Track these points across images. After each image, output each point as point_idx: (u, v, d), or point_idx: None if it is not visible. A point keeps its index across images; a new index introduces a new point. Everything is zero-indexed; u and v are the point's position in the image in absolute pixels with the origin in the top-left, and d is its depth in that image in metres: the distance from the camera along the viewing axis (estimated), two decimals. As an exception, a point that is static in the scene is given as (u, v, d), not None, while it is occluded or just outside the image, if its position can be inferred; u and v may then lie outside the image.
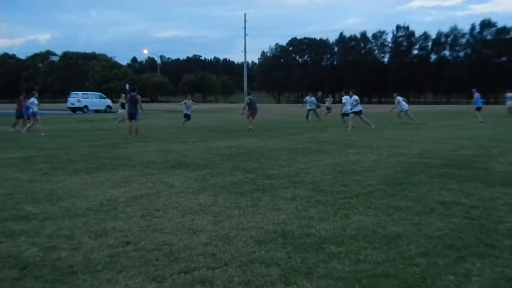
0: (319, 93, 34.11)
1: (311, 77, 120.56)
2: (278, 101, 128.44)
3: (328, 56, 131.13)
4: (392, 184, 7.90)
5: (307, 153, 12.33)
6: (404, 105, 26.57)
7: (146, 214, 6.05)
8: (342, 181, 8.18)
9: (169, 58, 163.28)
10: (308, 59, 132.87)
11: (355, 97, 22.07)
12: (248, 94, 24.10)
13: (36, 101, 21.18)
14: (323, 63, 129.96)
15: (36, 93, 22.21)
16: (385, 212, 6.05)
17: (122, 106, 25.38)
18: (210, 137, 17.72)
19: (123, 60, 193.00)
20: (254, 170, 9.46)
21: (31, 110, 20.89)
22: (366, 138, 16.48)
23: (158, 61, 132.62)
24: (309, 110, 29.35)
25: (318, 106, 30.39)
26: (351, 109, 22.03)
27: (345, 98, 22.82)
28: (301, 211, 6.09)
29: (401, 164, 10.28)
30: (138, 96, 18.10)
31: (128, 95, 18.54)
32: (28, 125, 20.71)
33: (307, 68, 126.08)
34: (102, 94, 52.94)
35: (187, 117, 24.25)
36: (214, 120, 30.65)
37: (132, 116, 17.76)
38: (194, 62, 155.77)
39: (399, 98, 26.59)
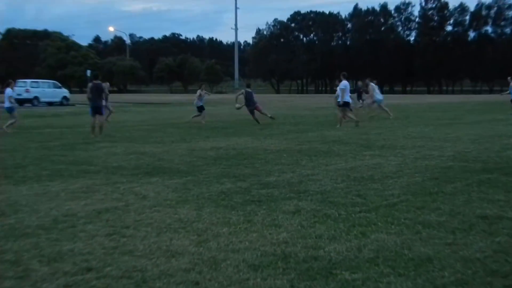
0: (359, 83, 32.77)
1: (319, 61, 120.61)
2: (278, 91, 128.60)
3: (340, 34, 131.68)
4: (421, 194, 7.92)
5: (314, 155, 12.48)
6: (378, 93, 26.73)
7: (112, 232, 6.07)
8: (357, 191, 8.24)
9: (140, 38, 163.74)
10: (315, 38, 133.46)
11: (344, 83, 21.11)
12: (247, 86, 23.77)
13: (12, 93, 20.82)
14: (333, 43, 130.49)
15: (13, 82, 21.98)
16: (412, 229, 6.09)
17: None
18: (193, 135, 17.78)
19: (83, 39, 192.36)
20: (248, 177, 9.56)
21: (5, 105, 20.66)
22: (388, 137, 16.60)
23: (127, 41, 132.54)
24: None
25: (360, 97, 29.60)
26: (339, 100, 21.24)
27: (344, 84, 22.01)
28: (306, 228, 6.16)
29: (431, 169, 10.35)
30: (104, 85, 18.12)
31: (90, 84, 18.49)
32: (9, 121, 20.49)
33: (314, 50, 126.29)
34: (57, 83, 52.86)
35: (200, 109, 24.00)
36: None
37: (96, 110, 17.76)
38: (172, 42, 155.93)
39: (373, 85, 26.66)
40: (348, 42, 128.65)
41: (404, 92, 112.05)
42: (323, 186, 8.65)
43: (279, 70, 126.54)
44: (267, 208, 7.16)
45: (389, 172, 9.99)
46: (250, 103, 22.54)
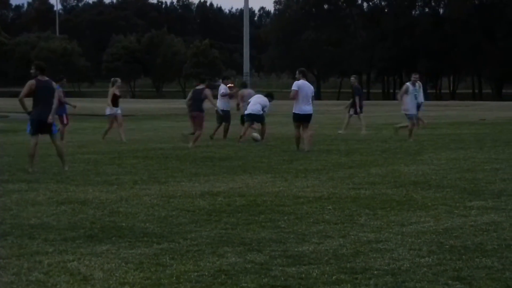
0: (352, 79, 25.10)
1: (390, 43, 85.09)
2: (318, 94, 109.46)
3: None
4: None
5: (380, 207, 9.74)
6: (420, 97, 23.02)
7: None
8: (456, 270, 6.37)
9: (80, 1, 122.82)
10: (383, 3, 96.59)
11: (298, 83, 16.62)
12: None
13: None
14: (415, 12, 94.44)
15: None
16: None
17: (114, 102, 20.28)
18: (171, 172, 13.85)
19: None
20: (266, 245, 7.47)
21: None
22: (511, 175, 13.33)
23: (57, 5, 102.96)
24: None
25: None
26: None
27: None
28: None
29: None
30: (55, 84, 13.45)
31: (32, 82, 12.99)
32: None
33: (382, 24, 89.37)
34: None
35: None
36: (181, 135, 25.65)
37: (41, 126, 13.09)
38: (136, 10, 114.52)
39: (409, 84, 22.74)
40: (441, 11, 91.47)
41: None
42: (396, 262, 6.69)
43: (321, 59, 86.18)
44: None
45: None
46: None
